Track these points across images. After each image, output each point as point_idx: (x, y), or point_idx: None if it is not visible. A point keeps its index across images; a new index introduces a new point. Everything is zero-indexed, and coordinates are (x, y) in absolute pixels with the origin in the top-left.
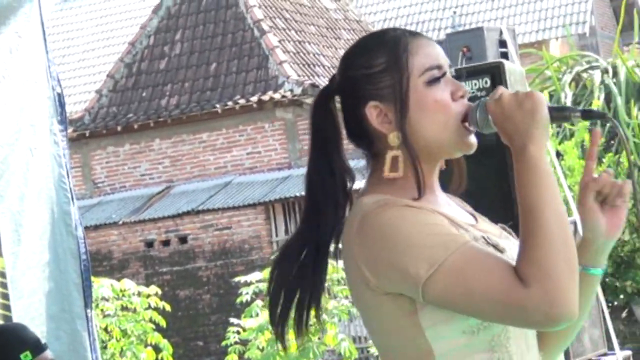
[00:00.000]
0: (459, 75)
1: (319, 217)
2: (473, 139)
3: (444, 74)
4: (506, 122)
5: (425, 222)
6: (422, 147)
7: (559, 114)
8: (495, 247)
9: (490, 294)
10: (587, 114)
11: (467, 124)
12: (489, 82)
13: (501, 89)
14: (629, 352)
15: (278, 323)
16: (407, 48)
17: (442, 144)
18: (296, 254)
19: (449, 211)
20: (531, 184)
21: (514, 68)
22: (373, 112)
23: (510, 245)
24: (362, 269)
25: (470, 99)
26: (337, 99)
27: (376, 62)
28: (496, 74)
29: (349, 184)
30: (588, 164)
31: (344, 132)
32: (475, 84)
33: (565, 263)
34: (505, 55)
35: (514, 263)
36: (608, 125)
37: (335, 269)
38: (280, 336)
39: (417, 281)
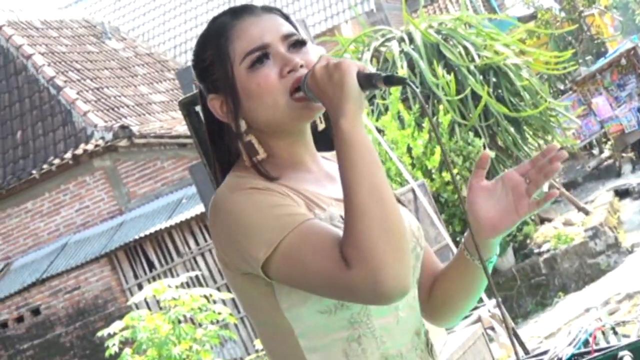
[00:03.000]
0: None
1: None
2: (315, 104)
3: (266, 54)
4: (322, 96)
5: (268, 204)
6: (265, 129)
7: (367, 81)
8: None
9: (319, 274)
10: (388, 80)
11: (301, 94)
12: None
13: (321, 60)
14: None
15: None
16: (228, 36)
17: (281, 122)
18: None
19: (313, 187)
20: (345, 159)
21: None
22: (215, 105)
23: None
24: (219, 250)
25: None
26: None
27: (205, 56)
28: None
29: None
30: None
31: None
32: None
33: (386, 240)
34: None
35: None
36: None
37: (194, 298)
38: None
39: (256, 263)
